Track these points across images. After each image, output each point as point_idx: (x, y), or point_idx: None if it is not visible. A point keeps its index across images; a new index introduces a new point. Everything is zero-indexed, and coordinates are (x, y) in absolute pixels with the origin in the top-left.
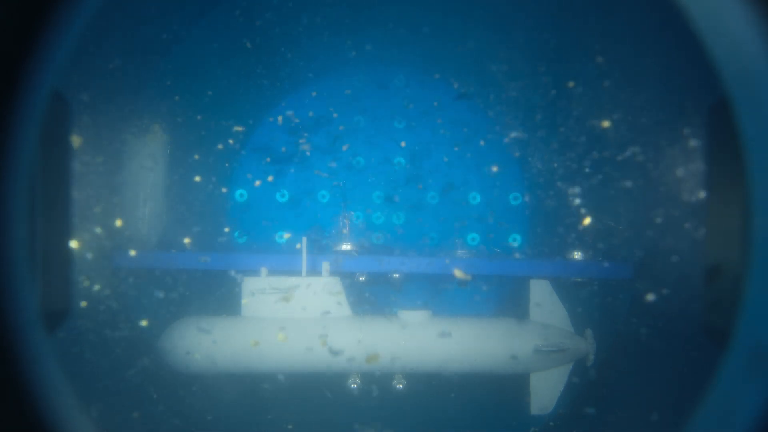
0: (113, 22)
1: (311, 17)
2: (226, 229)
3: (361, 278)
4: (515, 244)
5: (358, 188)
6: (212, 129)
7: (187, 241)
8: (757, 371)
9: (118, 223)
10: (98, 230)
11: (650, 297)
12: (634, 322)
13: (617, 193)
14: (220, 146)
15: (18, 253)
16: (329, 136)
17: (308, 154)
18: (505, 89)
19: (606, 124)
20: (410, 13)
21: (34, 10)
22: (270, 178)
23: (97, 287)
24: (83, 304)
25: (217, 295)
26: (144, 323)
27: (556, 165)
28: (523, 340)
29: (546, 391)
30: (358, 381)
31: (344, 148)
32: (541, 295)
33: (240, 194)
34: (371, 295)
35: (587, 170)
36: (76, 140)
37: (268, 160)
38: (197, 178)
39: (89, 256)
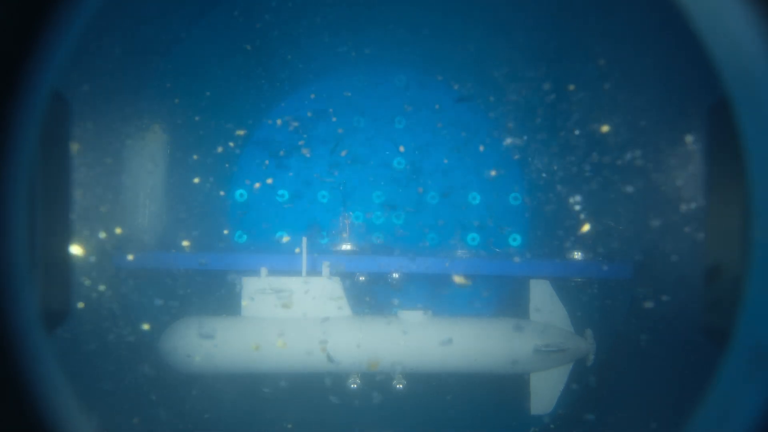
0: (113, 22)
1: (311, 18)
2: (225, 232)
3: (361, 278)
4: (515, 244)
5: (358, 189)
6: (212, 129)
7: (185, 243)
8: (757, 371)
9: (118, 223)
10: (98, 230)
11: (650, 297)
12: (634, 322)
13: (617, 194)
14: (219, 149)
15: (18, 253)
16: (329, 136)
17: (308, 156)
18: (506, 90)
19: (606, 125)
20: (410, 14)
21: (34, 10)
22: (269, 180)
23: (96, 287)
24: (83, 304)
25: (217, 295)
26: (146, 327)
27: (556, 167)
28: (523, 340)
29: (546, 391)
30: (358, 381)
31: (342, 153)
32: (541, 295)
33: (240, 194)
34: (371, 296)
35: (587, 171)
36: (75, 141)
37: (267, 163)
38: (196, 180)
39: (89, 256)
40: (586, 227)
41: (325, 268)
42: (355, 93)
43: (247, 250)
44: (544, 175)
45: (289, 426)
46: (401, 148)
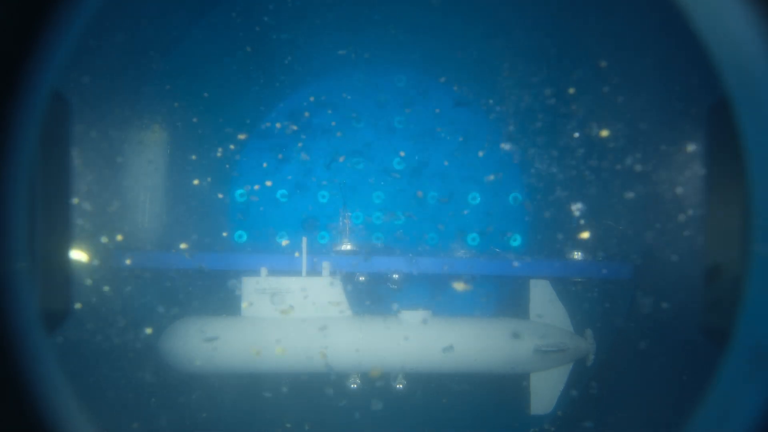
0: (113, 22)
1: (311, 19)
2: (224, 234)
3: (361, 278)
4: (515, 244)
5: (359, 190)
6: (212, 129)
7: (183, 246)
8: (757, 371)
9: (119, 223)
10: (98, 230)
11: (650, 297)
12: (634, 322)
13: (617, 194)
14: (219, 149)
15: (18, 253)
16: (328, 135)
17: (307, 159)
18: (506, 92)
19: (606, 125)
20: (410, 14)
21: (34, 10)
22: (268, 183)
23: (96, 287)
24: (83, 304)
25: (217, 294)
26: (146, 327)
27: (555, 167)
28: (523, 340)
29: (546, 391)
30: (358, 381)
31: (341, 159)
32: (541, 295)
33: (240, 194)
34: (371, 296)
35: (587, 171)
36: (75, 141)
37: (265, 165)
38: (195, 182)
39: (89, 256)
40: (585, 234)
41: (325, 269)
42: (355, 93)
43: (247, 250)
44: (544, 175)
45: (288, 425)
46: (401, 153)
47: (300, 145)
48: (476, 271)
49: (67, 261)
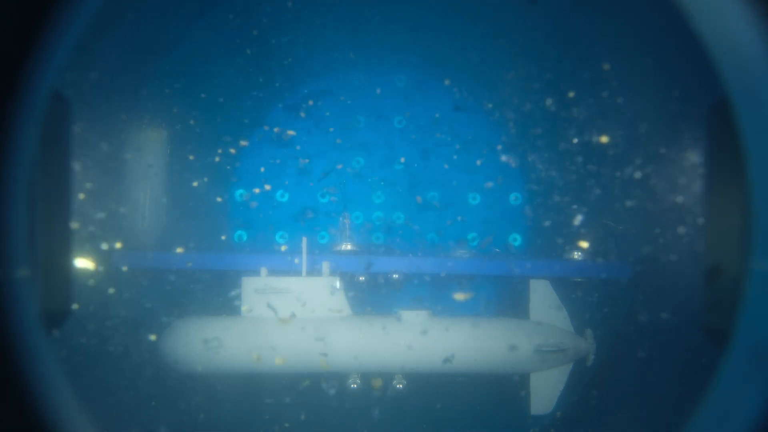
0: (113, 22)
1: (310, 20)
2: (223, 237)
3: (361, 278)
4: (516, 244)
5: (358, 190)
6: (212, 130)
7: (179, 250)
8: (757, 371)
9: (118, 224)
10: (98, 230)
11: (650, 297)
12: (634, 323)
13: (617, 195)
14: (219, 149)
15: (18, 253)
16: (328, 136)
17: (306, 162)
18: (506, 92)
19: (606, 125)
20: (410, 14)
21: (34, 10)
22: (267, 187)
23: (96, 287)
24: (83, 305)
25: (217, 295)
26: (146, 327)
27: (555, 168)
28: (523, 340)
29: (546, 391)
30: (358, 381)
31: (339, 166)
32: (541, 295)
33: (240, 194)
34: (371, 296)
35: (587, 172)
36: (75, 141)
37: (263, 170)
38: (195, 183)
39: (89, 256)
40: (585, 244)
41: (326, 268)
42: (355, 93)
43: (247, 250)
44: (543, 176)
45: (287, 425)
46: (402, 159)
47: (298, 148)
48: (476, 271)
49: (67, 261)
